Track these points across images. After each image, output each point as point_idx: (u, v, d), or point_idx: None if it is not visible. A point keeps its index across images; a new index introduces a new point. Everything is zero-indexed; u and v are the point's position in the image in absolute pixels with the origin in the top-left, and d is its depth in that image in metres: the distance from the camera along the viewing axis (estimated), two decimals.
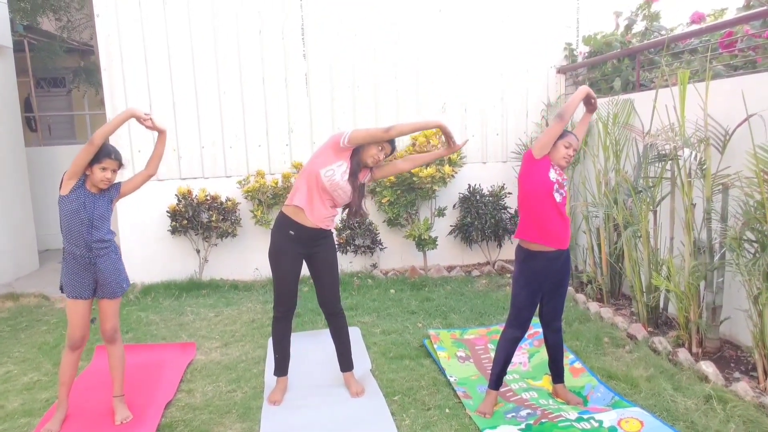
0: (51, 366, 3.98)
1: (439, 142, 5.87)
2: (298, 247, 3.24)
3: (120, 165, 2.94)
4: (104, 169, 2.87)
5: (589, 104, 3.18)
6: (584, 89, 3.06)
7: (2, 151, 6.37)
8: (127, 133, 5.68)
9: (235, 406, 3.35)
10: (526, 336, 4.04)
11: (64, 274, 3.03)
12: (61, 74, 10.93)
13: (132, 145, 5.73)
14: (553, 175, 2.96)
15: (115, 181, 3.02)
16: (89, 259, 2.97)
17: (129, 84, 5.75)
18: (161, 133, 3.09)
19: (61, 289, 3.07)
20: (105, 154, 2.86)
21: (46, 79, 11.16)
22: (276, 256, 3.27)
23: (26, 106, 9.49)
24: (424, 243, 5.87)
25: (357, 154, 3.15)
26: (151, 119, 2.99)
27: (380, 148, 3.16)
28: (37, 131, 9.71)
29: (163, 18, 5.74)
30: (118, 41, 5.70)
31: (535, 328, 3.79)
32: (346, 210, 3.35)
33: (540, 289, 3.12)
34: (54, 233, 7.70)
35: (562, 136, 2.98)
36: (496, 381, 3.21)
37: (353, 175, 3.15)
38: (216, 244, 5.94)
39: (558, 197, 2.96)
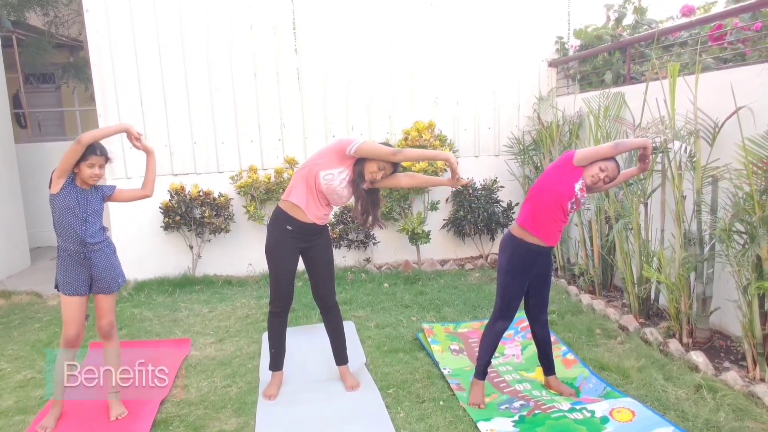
0: (44, 363, 3.97)
1: (432, 136, 5.91)
2: (296, 242, 3.25)
3: (107, 159, 3.00)
4: (92, 165, 2.93)
5: (644, 161, 3.14)
6: (646, 141, 3.05)
7: None
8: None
9: (230, 401, 3.36)
10: (519, 329, 4.09)
11: (58, 271, 3.05)
12: (50, 70, 10.84)
13: (123, 139, 5.68)
14: (577, 187, 2.98)
15: (107, 181, 3.06)
16: (84, 255, 2.99)
17: (119, 79, 5.71)
18: (149, 154, 3.19)
19: (56, 287, 3.08)
20: (90, 151, 2.91)
21: (35, 75, 11.05)
22: (273, 251, 3.27)
23: (15, 102, 9.40)
24: (417, 237, 5.88)
25: (359, 164, 3.15)
26: (140, 140, 3.10)
27: (381, 166, 3.14)
28: (26, 128, 9.64)
29: (153, 12, 5.70)
30: (107, 36, 5.66)
31: (528, 321, 3.81)
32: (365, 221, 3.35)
33: (527, 280, 3.16)
34: (45, 231, 7.63)
35: (605, 159, 3.00)
36: (483, 371, 3.26)
37: (352, 183, 3.16)
38: (209, 240, 5.93)
39: (569, 207, 3.00)
